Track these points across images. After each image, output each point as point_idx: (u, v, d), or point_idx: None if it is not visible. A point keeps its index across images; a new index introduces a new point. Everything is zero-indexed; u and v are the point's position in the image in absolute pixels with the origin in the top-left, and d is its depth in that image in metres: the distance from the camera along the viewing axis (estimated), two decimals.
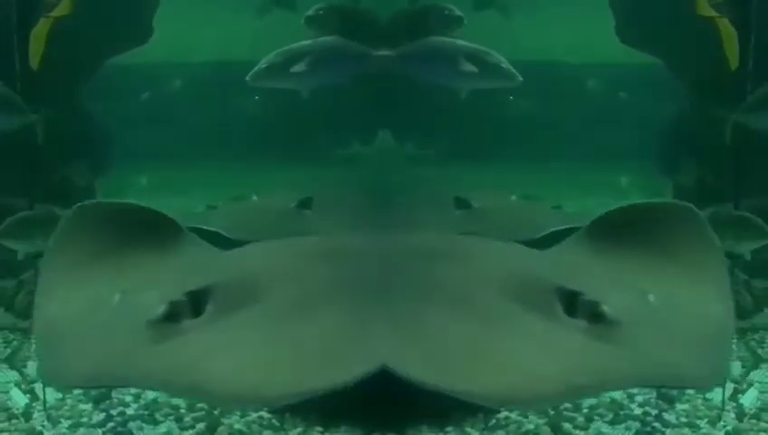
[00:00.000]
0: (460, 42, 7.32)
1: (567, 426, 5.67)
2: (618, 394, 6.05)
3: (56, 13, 7.45)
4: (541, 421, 5.59)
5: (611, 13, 8.07)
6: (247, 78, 7.19)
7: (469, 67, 7.14)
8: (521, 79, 7.00)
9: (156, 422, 5.47)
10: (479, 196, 7.55)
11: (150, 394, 5.72)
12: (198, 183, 8.70)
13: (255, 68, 7.20)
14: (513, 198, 7.85)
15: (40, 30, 7.34)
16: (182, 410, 5.56)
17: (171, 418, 5.51)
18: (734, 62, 7.19)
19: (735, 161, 7.69)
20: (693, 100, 7.78)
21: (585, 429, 5.64)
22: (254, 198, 7.98)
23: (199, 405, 5.55)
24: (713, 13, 7.40)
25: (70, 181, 8.23)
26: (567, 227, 6.73)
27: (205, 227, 6.81)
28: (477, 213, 7.37)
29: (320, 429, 5.02)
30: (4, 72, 7.19)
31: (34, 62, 7.37)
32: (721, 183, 7.95)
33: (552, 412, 5.70)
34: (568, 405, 5.86)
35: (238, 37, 8.45)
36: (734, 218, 7.49)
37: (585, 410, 5.85)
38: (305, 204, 7.50)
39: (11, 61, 7.24)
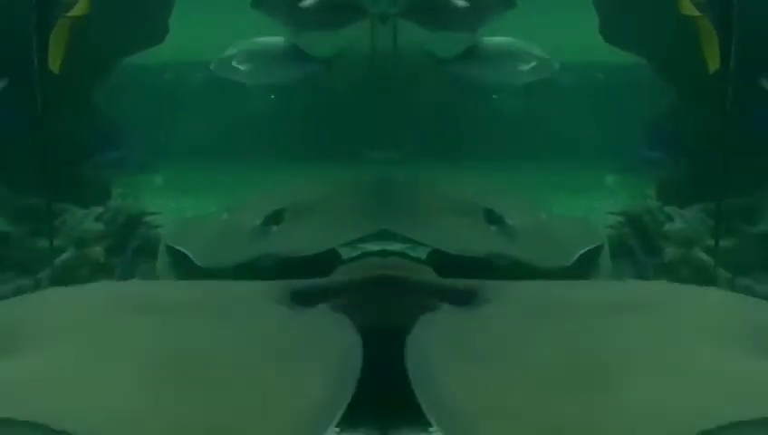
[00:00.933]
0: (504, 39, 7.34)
1: None
2: None
3: (73, 13, 7.34)
4: None
5: (593, 11, 8.07)
6: (211, 66, 7.20)
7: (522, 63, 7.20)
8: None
9: None
10: (507, 207, 6.91)
11: None
12: (214, 183, 8.66)
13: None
14: (543, 215, 7.25)
15: (59, 32, 7.20)
16: None
17: None
18: (713, 64, 7.19)
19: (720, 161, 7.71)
20: (675, 99, 7.77)
21: None
22: (225, 215, 7.33)
23: None
24: (695, 12, 7.40)
25: (85, 180, 8.20)
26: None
27: (179, 247, 6.56)
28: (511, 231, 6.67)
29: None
30: (24, 74, 7.15)
31: (55, 65, 7.25)
32: (704, 182, 7.95)
33: None
34: None
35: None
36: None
37: None
38: (273, 219, 6.81)
39: (29, 62, 7.14)
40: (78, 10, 7.35)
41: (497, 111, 8.56)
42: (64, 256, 7.52)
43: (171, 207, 8.16)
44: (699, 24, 7.21)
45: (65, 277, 7.27)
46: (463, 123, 8.33)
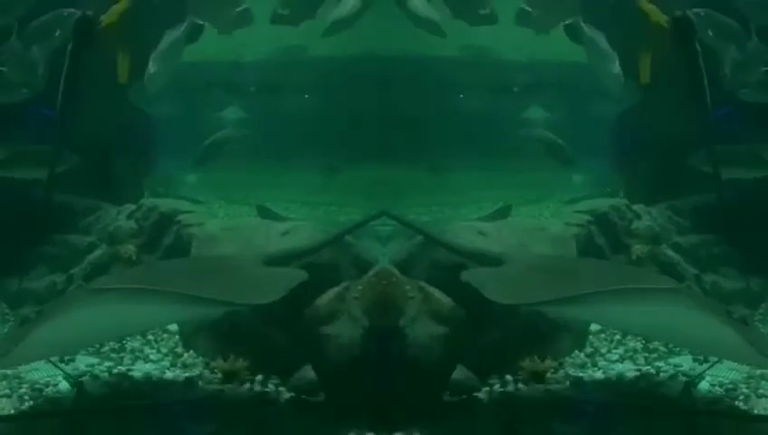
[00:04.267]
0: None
1: None
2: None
3: (106, 20, 7.55)
4: None
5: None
6: None
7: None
8: None
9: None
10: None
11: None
12: (245, 183, 8.62)
13: None
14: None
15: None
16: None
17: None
18: (645, 76, 7.38)
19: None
20: (642, 97, 7.84)
21: None
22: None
23: None
24: (654, 9, 7.48)
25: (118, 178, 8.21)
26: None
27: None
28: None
29: None
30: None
31: (123, 76, 7.66)
32: (669, 179, 8.04)
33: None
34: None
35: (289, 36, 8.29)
36: None
37: None
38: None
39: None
40: (110, 17, 7.53)
41: (464, 111, 8.57)
42: (97, 252, 7.62)
43: (199, 205, 8.14)
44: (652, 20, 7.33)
45: (97, 274, 7.34)
46: (429, 122, 8.34)
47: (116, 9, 7.63)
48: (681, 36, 7.35)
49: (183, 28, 7.68)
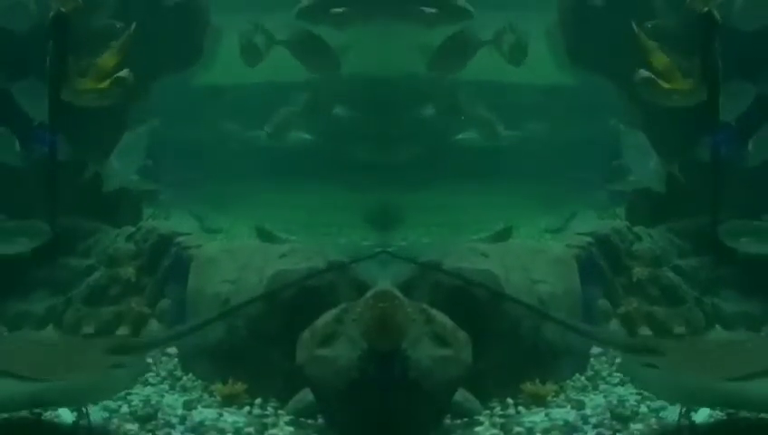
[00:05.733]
0: None
1: None
2: (571, 416, 6.13)
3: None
4: None
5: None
6: None
7: None
8: None
9: None
10: None
11: (197, 416, 6.01)
12: (246, 203, 8.65)
13: None
14: None
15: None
16: (228, 433, 5.84)
17: None
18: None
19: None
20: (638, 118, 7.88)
21: None
22: None
23: (247, 430, 5.84)
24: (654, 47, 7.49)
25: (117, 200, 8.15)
26: None
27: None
28: None
29: None
30: None
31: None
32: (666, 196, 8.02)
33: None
34: (520, 429, 5.93)
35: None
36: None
37: (538, 433, 5.93)
38: None
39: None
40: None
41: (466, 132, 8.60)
42: (96, 275, 7.58)
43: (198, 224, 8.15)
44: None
45: (97, 296, 7.34)
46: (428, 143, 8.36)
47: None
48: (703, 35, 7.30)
49: (144, 128, 7.81)
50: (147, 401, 6.31)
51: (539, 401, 6.22)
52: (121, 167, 7.54)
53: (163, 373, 6.77)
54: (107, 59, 7.49)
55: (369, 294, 5.79)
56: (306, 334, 5.89)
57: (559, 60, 8.27)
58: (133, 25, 7.56)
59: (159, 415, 6.10)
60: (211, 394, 6.35)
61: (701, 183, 7.59)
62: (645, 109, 7.76)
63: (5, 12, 7.58)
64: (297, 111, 8.73)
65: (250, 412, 6.15)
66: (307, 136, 8.63)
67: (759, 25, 7.53)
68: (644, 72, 7.40)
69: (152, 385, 6.60)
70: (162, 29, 7.78)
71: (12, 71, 7.59)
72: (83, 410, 5.89)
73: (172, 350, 6.94)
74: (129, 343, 6.47)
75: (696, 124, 7.47)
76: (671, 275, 7.64)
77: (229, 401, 6.21)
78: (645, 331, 7.25)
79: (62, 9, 7.32)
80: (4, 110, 7.55)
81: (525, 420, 6.08)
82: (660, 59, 7.37)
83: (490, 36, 8.24)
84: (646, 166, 7.45)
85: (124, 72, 7.45)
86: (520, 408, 6.20)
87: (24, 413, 5.86)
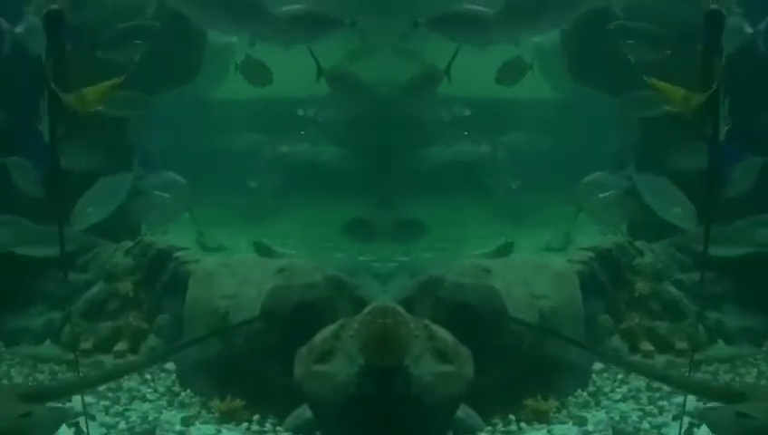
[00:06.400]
0: None
1: None
2: (573, 432, 6.09)
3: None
4: None
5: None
6: None
7: None
8: None
9: None
10: None
11: (195, 433, 6.01)
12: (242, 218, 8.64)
13: None
14: None
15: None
16: None
17: None
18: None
19: None
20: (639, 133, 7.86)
21: None
22: None
23: None
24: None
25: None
26: None
27: None
28: None
29: None
30: None
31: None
32: None
33: None
34: None
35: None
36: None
37: None
38: None
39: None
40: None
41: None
42: (94, 289, 7.60)
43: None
44: None
45: (95, 311, 7.35)
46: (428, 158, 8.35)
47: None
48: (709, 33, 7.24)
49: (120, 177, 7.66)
50: (144, 418, 6.27)
51: (541, 418, 6.17)
52: (93, 212, 7.35)
53: (161, 389, 6.72)
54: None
55: (366, 309, 5.74)
56: (304, 350, 5.84)
57: (560, 76, 8.29)
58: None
59: (157, 431, 6.06)
60: (209, 410, 6.31)
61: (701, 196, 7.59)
62: (643, 122, 7.78)
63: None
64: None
65: (248, 429, 6.11)
66: (306, 149, 8.57)
67: None
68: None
69: (150, 401, 6.56)
70: (159, 46, 7.74)
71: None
72: (82, 426, 5.85)
73: (170, 365, 6.88)
74: (43, 389, 5.96)
75: (696, 135, 7.44)
76: (673, 289, 7.63)
77: (227, 418, 6.16)
78: (646, 346, 7.27)
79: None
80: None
81: None
82: (677, 94, 7.31)
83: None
84: (671, 211, 7.39)
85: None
86: (522, 424, 6.16)
87: None
